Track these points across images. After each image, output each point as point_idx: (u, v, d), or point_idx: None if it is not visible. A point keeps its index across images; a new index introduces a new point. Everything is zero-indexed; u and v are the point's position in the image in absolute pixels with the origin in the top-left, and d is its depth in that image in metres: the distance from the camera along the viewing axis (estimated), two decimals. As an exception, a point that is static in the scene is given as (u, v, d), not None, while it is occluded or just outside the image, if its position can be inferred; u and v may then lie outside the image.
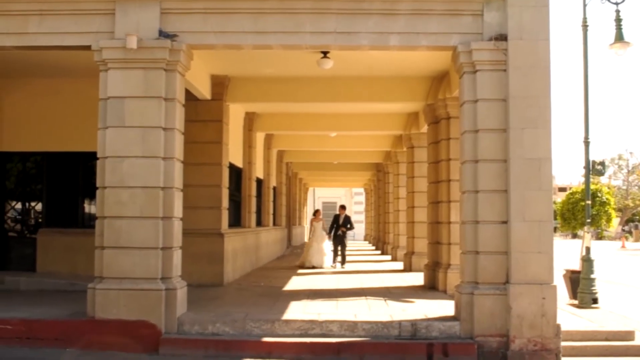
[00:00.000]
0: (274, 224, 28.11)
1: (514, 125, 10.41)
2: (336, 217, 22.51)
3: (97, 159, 10.90)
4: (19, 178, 16.98)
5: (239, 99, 16.65)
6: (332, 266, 21.81)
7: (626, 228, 79.39)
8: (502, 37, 10.63)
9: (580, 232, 18.43)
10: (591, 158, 15.51)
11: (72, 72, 15.34)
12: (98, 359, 9.82)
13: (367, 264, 24.53)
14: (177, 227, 11.06)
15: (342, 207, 23.15)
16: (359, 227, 60.87)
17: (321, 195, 65.98)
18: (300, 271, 20.39)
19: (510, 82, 10.50)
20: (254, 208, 21.12)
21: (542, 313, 10.20)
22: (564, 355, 10.26)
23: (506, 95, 10.52)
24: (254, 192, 21.17)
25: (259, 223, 23.63)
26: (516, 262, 10.32)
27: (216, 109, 16.09)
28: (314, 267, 21.43)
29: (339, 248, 22.18)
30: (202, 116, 15.80)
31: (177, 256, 11.04)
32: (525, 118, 10.42)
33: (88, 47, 10.94)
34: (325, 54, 13.74)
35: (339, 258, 22.17)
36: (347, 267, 21.96)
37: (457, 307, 10.87)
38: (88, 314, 10.72)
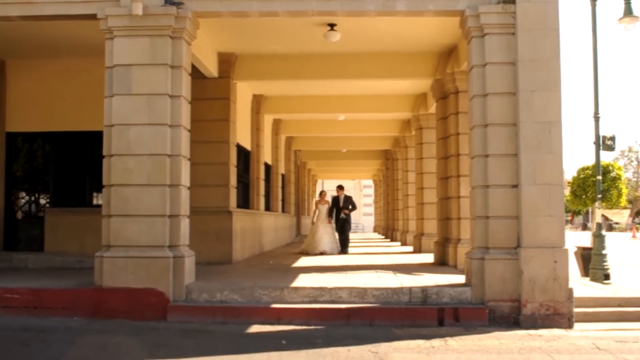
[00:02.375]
0: (283, 211, 28.02)
1: (523, 88, 10.30)
2: (335, 200, 20.42)
3: (105, 127, 10.85)
4: (26, 158, 16.92)
5: (246, 76, 16.53)
6: (344, 252, 19.69)
7: (637, 220, 78.94)
8: (510, 0, 10.53)
9: (589, 225, 18.16)
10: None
11: (79, 51, 15.29)
12: (106, 327, 9.74)
13: (375, 248, 24.42)
14: (185, 195, 10.99)
15: (340, 188, 20.65)
16: (368, 220, 60.87)
17: (330, 187, 65.88)
18: (308, 254, 19.57)
19: (519, 45, 10.39)
20: (262, 191, 21.04)
21: (554, 277, 10.09)
22: (576, 321, 10.14)
23: (515, 59, 10.42)
24: (262, 175, 21.09)
25: (268, 208, 23.51)
26: (527, 226, 10.21)
27: (223, 87, 16.01)
28: (322, 254, 19.19)
29: (342, 232, 20.10)
30: (210, 94, 15.71)
31: (184, 225, 10.98)
32: (535, 81, 10.31)
33: (94, 16, 10.91)
34: (332, 26, 13.64)
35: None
36: (354, 251, 20.80)
37: (468, 274, 10.76)
38: (96, 282, 10.68)
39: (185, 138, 10.97)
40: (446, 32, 13.84)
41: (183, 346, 8.66)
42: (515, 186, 10.35)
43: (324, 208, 20.26)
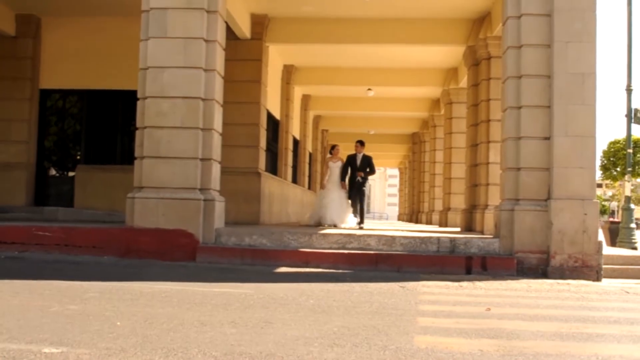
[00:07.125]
0: (309, 188, 28.07)
1: (558, 39, 10.23)
2: (351, 158, 15.14)
3: (140, 70, 10.94)
4: (59, 116, 17.12)
5: (278, 39, 16.54)
6: (359, 225, 14.57)
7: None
8: (548, -49, 10.46)
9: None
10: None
11: (112, 10, 15.53)
12: (135, 266, 9.82)
13: (398, 226, 24.38)
14: (217, 139, 11.07)
15: (360, 144, 15.37)
16: (393, 210, 60.75)
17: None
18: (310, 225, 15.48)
19: (556, -5, 10.32)
20: (290, 162, 21.11)
21: (584, 229, 10.02)
22: (604, 277, 10.07)
23: (550, 10, 10.35)
24: (290, 146, 21.16)
25: (295, 181, 23.57)
26: (558, 178, 10.15)
27: (255, 49, 16.07)
28: (334, 226, 14.70)
29: (357, 201, 15.13)
30: (242, 55, 15.79)
31: (216, 169, 11.05)
32: (569, 32, 10.24)
33: (131, -38, 11.02)
34: (365, -16, 13.67)
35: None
36: (372, 226, 17.68)
37: (497, 226, 10.71)
38: (127, 223, 10.79)
39: (219, 83, 11.05)
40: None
41: (213, 277, 8.74)
42: (547, 138, 10.28)
43: (337, 167, 15.50)
